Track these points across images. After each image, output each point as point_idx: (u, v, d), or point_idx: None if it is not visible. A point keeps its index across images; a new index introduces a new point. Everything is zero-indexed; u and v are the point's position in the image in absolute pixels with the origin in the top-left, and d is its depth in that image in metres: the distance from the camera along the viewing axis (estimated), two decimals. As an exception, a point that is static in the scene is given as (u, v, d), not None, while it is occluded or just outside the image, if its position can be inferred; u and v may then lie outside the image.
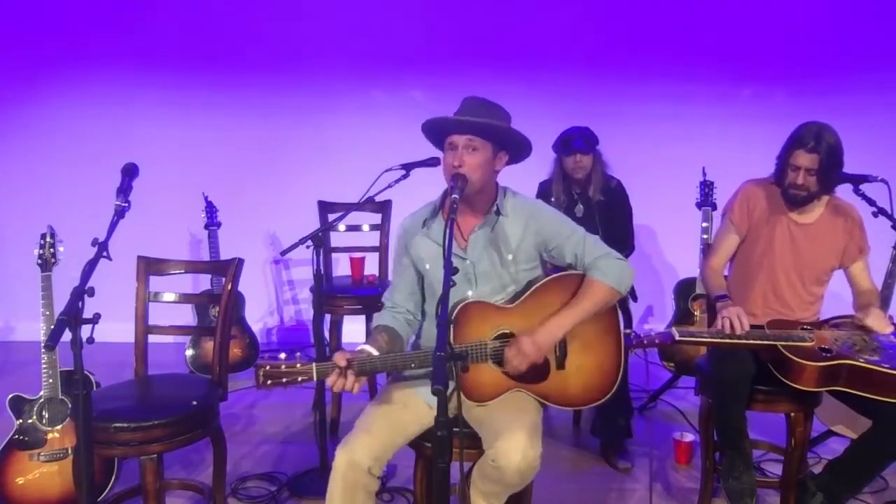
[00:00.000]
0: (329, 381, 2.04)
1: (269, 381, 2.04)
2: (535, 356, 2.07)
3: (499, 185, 2.28)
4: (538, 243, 2.23)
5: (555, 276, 2.21)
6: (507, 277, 2.23)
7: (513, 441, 1.95)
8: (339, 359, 2.02)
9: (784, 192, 2.63)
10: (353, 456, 2.03)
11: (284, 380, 2.04)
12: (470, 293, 2.21)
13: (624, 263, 2.18)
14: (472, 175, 2.12)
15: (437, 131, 2.21)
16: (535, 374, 2.13)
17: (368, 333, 3.90)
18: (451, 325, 2.05)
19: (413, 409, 2.17)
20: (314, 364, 2.05)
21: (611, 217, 3.48)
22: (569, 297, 2.15)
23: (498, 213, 2.23)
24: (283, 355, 2.07)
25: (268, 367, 2.03)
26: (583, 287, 2.16)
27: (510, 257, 2.22)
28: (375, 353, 2.10)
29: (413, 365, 2.13)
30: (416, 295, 2.35)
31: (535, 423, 2.07)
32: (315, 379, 2.04)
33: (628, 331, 2.29)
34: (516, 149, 2.23)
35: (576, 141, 3.40)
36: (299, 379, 2.05)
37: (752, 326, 2.59)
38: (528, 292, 2.18)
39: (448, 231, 1.87)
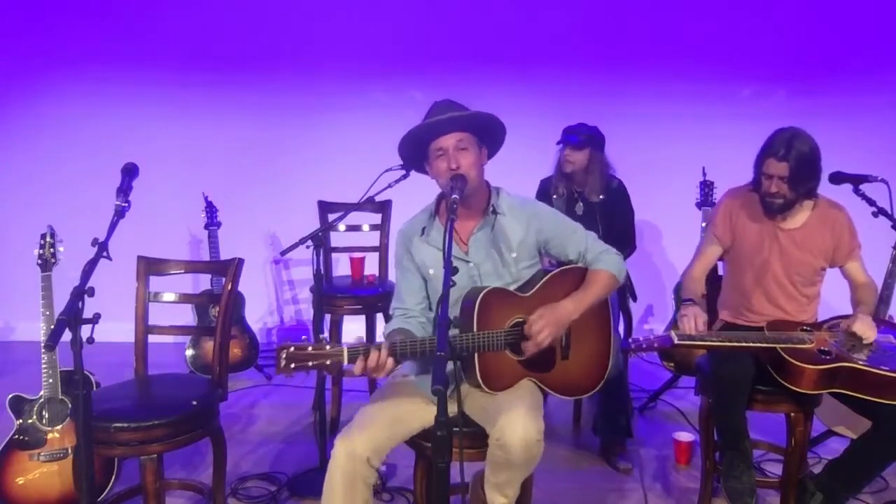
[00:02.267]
0: (359, 365, 1.92)
1: (292, 365, 1.87)
2: (556, 329, 2.10)
3: (489, 184, 2.29)
4: (540, 241, 2.29)
5: (562, 268, 2.29)
6: (510, 275, 2.25)
7: (514, 416, 1.96)
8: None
9: (762, 200, 2.62)
10: (352, 447, 2.01)
11: (311, 363, 1.88)
12: None
13: (620, 258, 2.34)
14: (469, 173, 2.13)
15: (417, 143, 2.18)
16: (544, 364, 2.19)
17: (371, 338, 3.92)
18: (476, 313, 2.07)
19: (414, 403, 2.16)
20: (345, 346, 1.92)
21: (611, 216, 3.48)
22: (577, 287, 2.25)
23: (495, 212, 2.24)
24: (304, 337, 1.93)
25: (292, 349, 1.87)
26: (591, 276, 2.26)
27: (514, 255, 2.24)
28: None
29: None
30: (425, 297, 2.34)
31: (535, 402, 2.10)
32: (346, 362, 1.92)
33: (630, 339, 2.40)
34: (494, 139, 2.24)
35: (570, 136, 3.41)
36: (328, 362, 1.89)
37: (752, 328, 2.60)
38: (541, 282, 2.22)
39: (448, 231, 1.87)
